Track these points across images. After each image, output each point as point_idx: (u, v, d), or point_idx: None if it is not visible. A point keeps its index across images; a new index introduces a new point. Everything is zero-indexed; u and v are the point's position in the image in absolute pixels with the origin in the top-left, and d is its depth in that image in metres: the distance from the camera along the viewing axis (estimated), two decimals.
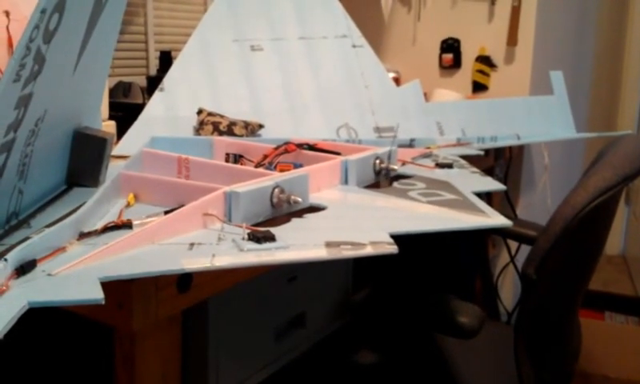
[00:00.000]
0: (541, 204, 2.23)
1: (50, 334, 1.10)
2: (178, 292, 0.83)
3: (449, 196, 1.07)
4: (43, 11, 0.67)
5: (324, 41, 1.54)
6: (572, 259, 1.22)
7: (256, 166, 1.12)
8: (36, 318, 0.67)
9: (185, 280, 0.83)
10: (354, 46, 1.57)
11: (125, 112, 1.44)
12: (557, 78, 1.77)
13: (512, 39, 2.06)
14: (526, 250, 1.41)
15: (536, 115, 1.75)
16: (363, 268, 1.34)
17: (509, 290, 2.33)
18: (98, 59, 1.00)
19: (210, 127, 1.30)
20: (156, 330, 0.82)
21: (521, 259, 1.88)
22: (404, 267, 1.57)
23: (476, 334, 1.18)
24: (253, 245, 0.75)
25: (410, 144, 1.49)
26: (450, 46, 2.22)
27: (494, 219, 0.94)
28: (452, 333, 1.19)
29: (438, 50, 2.24)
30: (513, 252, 2.08)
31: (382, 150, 1.18)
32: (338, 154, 1.18)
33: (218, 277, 0.89)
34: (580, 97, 2.76)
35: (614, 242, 3.68)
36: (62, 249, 0.70)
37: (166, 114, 1.34)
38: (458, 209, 0.99)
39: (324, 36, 1.54)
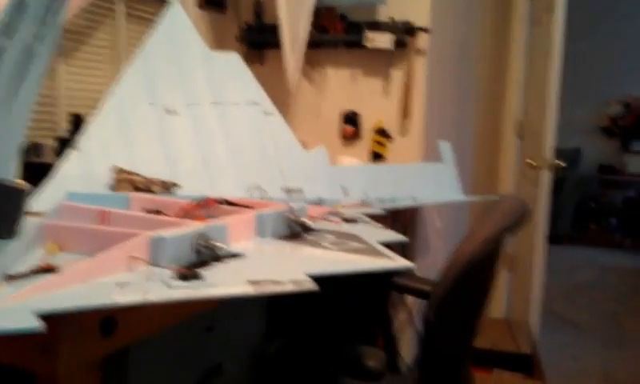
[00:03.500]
0: (434, 263, 2.41)
1: None
2: (101, 336, 0.84)
3: (357, 245, 1.17)
4: None
5: (236, 107, 1.63)
6: (465, 304, 1.35)
7: None
8: None
9: (109, 324, 0.85)
10: (264, 113, 1.68)
11: (34, 172, 1.43)
12: (445, 147, 1.98)
13: (405, 113, 2.28)
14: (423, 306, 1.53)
15: (428, 180, 1.94)
16: (275, 319, 1.39)
17: (407, 346, 2.45)
18: (18, 112, 1.02)
19: (127, 184, 1.33)
20: (79, 376, 0.82)
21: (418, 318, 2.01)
22: (313, 318, 1.63)
23: (382, 376, 1.27)
24: (180, 282, 0.79)
25: (318, 203, 1.60)
26: (351, 119, 2.40)
27: (399, 262, 1.05)
28: (361, 376, 1.27)
29: (339, 122, 2.41)
30: (411, 311, 2.21)
31: (294, 205, 1.27)
32: (254, 209, 1.25)
33: (140, 322, 0.91)
34: (464, 162, 3.06)
35: (498, 307, 3.99)
36: None
37: (81, 173, 1.35)
38: (367, 254, 1.09)
39: (236, 102, 1.64)
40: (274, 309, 1.42)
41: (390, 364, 2.06)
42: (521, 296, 3.50)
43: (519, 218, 1.39)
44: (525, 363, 2.96)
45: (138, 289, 0.76)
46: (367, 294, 1.89)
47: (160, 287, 0.77)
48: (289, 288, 0.83)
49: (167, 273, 0.83)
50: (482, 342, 3.48)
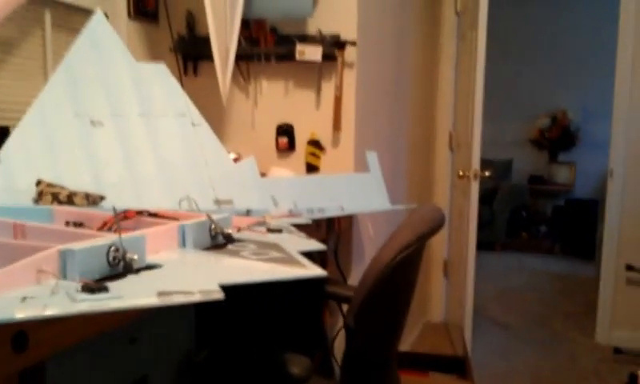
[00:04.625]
0: None
1: None
2: (13, 351, 0.83)
3: (276, 254, 1.20)
4: None
5: (164, 118, 1.64)
6: (385, 308, 1.40)
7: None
8: None
9: (20, 339, 0.84)
10: (193, 125, 1.70)
11: None
12: (372, 157, 2.05)
13: (336, 125, 2.34)
14: None
15: (357, 190, 2.00)
16: (204, 329, 1.40)
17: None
18: None
19: (50, 197, 1.32)
20: None
21: None
22: (242, 327, 1.65)
23: (305, 382, 1.30)
24: (86, 295, 0.80)
25: (247, 214, 1.62)
26: (285, 131, 2.44)
27: (312, 270, 1.09)
28: (285, 383, 1.30)
29: (274, 134, 2.45)
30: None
31: (217, 216, 1.29)
32: (177, 220, 1.27)
33: (55, 335, 0.91)
34: (399, 173, 3.15)
35: (437, 311, 4.12)
36: None
37: (3, 186, 1.33)
38: (283, 263, 1.12)
39: (164, 114, 1.65)
40: (204, 318, 1.44)
41: (324, 369, 2.10)
42: (456, 300, 3.63)
43: (435, 225, 1.46)
44: (460, 365, 3.06)
45: (39, 303, 0.76)
46: (300, 302, 1.93)
47: (63, 301, 0.78)
48: (197, 298, 0.86)
49: (74, 286, 0.83)
50: (421, 345, 3.59)
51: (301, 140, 2.43)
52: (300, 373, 1.32)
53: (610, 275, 3.77)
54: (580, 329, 4.02)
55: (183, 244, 1.20)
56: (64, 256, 0.88)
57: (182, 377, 1.34)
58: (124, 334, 1.17)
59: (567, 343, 3.78)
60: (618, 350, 3.56)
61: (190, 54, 2.50)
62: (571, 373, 3.32)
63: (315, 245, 1.37)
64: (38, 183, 1.38)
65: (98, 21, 1.62)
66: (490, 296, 4.68)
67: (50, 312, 0.73)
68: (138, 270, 0.98)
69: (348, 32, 2.31)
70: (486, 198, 5.93)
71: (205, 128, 1.72)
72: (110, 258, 0.95)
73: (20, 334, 0.84)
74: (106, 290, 0.82)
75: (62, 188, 1.38)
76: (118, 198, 1.49)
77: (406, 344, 3.39)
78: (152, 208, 1.37)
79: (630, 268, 3.67)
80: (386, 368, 1.53)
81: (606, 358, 3.52)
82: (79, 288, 0.82)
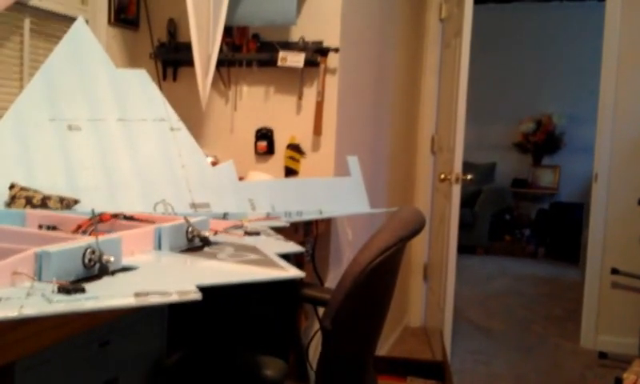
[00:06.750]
0: None
1: None
2: None
3: (254, 256, 1.21)
4: None
5: (143, 123, 1.64)
6: (363, 310, 1.41)
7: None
8: None
9: None
10: (171, 129, 1.70)
11: None
12: (353, 162, 2.07)
13: (317, 129, 2.35)
14: None
15: (336, 193, 2.01)
16: (176, 332, 1.40)
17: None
18: None
19: (23, 201, 1.32)
20: None
21: None
22: (215, 330, 1.65)
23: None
24: (62, 296, 0.81)
25: (224, 217, 1.63)
26: (264, 135, 2.45)
27: (290, 272, 1.10)
28: None
29: (253, 138, 2.46)
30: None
31: (193, 219, 1.30)
32: (153, 223, 1.27)
33: (23, 338, 0.90)
34: (380, 177, 3.18)
35: (416, 316, 4.13)
36: None
37: None
38: (261, 265, 1.13)
39: (143, 118, 1.65)
40: (178, 322, 1.43)
41: (298, 373, 2.11)
42: (435, 304, 3.65)
43: (416, 228, 1.47)
44: (439, 370, 3.07)
45: (15, 304, 0.76)
46: (276, 305, 1.93)
47: (39, 301, 0.78)
48: (174, 298, 0.86)
49: (50, 287, 0.83)
50: (399, 350, 3.59)
51: (280, 144, 2.44)
52: (274, 375, 1.32)
53: (595, 279, 3.74)
54: (564, 333, 4.01)
55: (159, 247, 1.21)
56: (40, 258, 0.88)
57: (153, 380, 1.34)
58: (94, 336, 1.16)
59: (551, 348, 3.76)
60: (603, 355, 3.54)
61: (170, 60, 2.50)
62: (556, 378, 3.29)
63: (293, 247, 1.38)
64: (11, 187, 1.37)
65: (79, 27, 1.62)
66: (471, 300, 4.70)
67: (27, 312, 0.73)
68: (113, 272, 0.99)
69: (331, 39, 2.33)
70: (468, 201, 5.98)
71: (183, 132, 1.73)
72: (86, 260, 0.95)
73: None
74: (82, 290, 0.82)
75: (36, 191, 1.38)
76: (93, 202, 1.48)
77: (384, 348, 3.40)
78: (127, 212, 1.37)
79: (615, 271, 3.64)
80: (363, 372, 1.54)
81: (591, 363, 3.50)
82: (55, 289, 0.82)
